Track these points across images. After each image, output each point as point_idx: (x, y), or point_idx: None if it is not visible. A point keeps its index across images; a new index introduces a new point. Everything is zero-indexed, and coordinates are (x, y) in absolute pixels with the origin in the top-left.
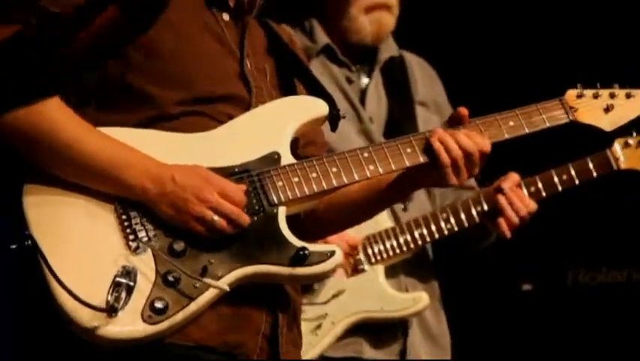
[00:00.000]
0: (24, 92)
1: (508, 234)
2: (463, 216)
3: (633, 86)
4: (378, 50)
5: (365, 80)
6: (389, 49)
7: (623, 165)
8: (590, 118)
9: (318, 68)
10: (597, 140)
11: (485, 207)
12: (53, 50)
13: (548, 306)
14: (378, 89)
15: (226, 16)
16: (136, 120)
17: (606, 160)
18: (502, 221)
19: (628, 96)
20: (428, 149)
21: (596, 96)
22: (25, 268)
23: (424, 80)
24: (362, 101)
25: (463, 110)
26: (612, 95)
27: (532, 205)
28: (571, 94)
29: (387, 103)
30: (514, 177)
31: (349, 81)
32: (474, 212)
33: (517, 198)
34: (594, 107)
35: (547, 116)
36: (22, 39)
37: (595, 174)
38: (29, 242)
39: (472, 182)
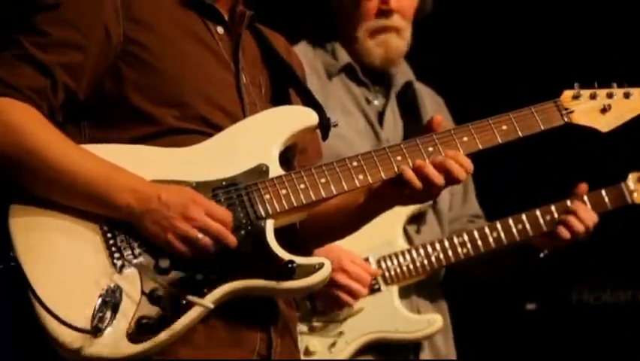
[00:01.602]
0: None
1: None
2: (479, 241)
3: (632, 84)
4: (395, 75)
5: (382, 102)
6: (405, 74)
7: (637, 199)
8: (585, 119)
9: (338, 85)
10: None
11: (502, 235)
12: None
13: (553, 326)
14: (394, 113)
15: (220, 30)
16: (132, 137)
17: (621, 193)
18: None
19: (626, 95)
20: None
21: (593, 96)
22: (12, 287)
23: (433, 108)
24: (380, 122)
25: (438, 119)
26: (610, 95)
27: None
28: (567, 95)
29: (403, 127)
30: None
31: (367, 101)
32: (490, 238)
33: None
34: (590, 108)
35: (542, 118)
36: None
37: (610, 207)
38: (14, 263)
39: (479, 211)
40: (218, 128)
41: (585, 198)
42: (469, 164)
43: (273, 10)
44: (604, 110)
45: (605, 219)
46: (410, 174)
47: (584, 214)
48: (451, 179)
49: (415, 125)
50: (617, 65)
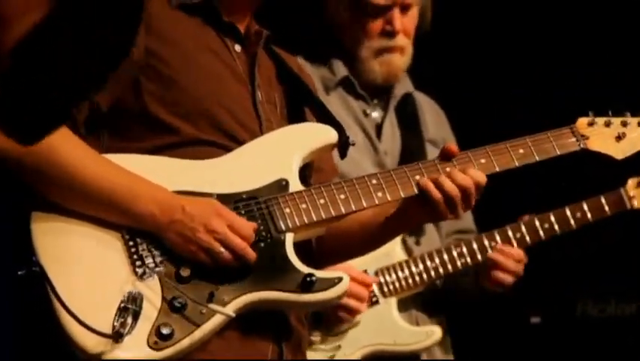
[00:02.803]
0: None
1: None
2: (477, 252)
3: None
4: (394, 87)
5: (380, 115)
6: (404, 85)
7: (636, 205)
8: (601, 146)
9: (336, 99)
10: (609, 178)
11: (499, 242)
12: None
13: (557, 338)
14: (392, 125)
15: (238, 48)
16: (151, 147)
17: (620, 199)
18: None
19: None
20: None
21: (607, 124)
22: (30, 293)
23: (433, 119)
24: (378, 134)
25: (452, 147)
26: (624, 124)
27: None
28: (582, 122)
29: (401, 139)
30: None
31: (365, 114)
32: (489, 249)
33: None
34: (606, 136)
35: (558, 143)
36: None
37: (609, 213)
38: (37, 268)
39: (472, 225)
40: (237, 141)
41: (584, 204)
42: (482, 178)
43: (270, 24)
44: (619, 137)
45: (610, 232)
46: (430, 186)
47: (506, 264)
48: (465, 193)
49: (413, 137)
50: (631, 94)
